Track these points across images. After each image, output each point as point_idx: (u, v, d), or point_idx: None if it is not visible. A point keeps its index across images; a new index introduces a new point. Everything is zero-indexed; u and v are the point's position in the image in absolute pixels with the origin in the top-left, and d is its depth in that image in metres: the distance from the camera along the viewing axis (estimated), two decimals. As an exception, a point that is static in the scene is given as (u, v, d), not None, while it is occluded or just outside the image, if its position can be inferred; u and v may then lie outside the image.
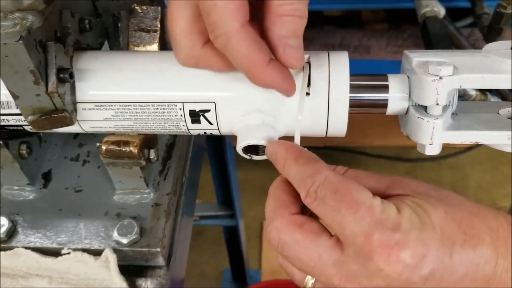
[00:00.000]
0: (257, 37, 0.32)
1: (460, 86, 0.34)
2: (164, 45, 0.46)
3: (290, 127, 0.38)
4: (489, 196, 1.73)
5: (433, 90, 0.34)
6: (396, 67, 0.40)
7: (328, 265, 0.31)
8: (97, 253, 0.46)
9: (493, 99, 1.21)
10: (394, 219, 0.29)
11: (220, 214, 1.28)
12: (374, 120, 1.58)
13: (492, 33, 1.06)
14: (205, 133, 0.41)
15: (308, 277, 0.34)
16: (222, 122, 0.39)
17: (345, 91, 0.37)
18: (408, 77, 0.37)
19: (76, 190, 0.51)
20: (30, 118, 0.39)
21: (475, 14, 1.13)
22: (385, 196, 0.32)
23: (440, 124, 0.36)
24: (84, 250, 0.46)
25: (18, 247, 0.46)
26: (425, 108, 0.36)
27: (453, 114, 0.37)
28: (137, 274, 0.47)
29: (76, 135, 0.56)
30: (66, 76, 0.37)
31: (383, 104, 0.38)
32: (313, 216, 0.33)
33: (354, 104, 0.38)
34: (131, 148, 0.44)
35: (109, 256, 0.45)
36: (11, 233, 0.47)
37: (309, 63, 0.37)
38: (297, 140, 0.36)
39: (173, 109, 0.39)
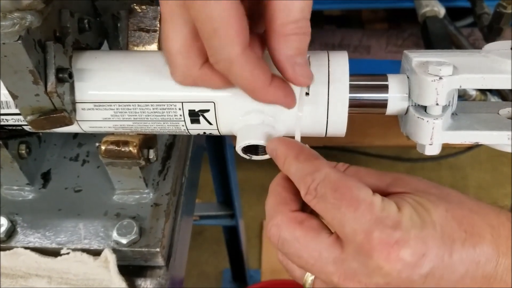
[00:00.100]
0: (258, 59, 0.32)
1: (460, 86, 0.34)
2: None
3: (289, 127, 0.38)
4: (489, 196, 1.73)
5: (433, 90, 0.34)
6: (396, 67, 0.40)
7: (328, 263, 0.31)
8: (96, 253, 0.46)
9: (493, 99, 1.21)
10: (394, 217, 0.29)
11: (220, 214, 1.28)
12: (374, 120, 1.58)
13: (492, 33, 1.06)
14: (204, 133, 0.41)
15: (308, 274, 0.34)
16: (222, 122, 0.39)
17: (345, 91, 0.36)
18: (408, 77, 0.37)
19: (76, 190, 0.51)
20: (29, 118, 0.39)
21: (475, 14, 1.13)
22: (386, 194, 0.32)
23: (440, 124, 0.35)
24: (83, 250, 0.46)
25: (17, 247, 0.46)
26: (425, 108, 0.36)
27: (453, 114, 0.37)
28: (136, 274, 0.47)
29: (75, 135, 0.56)
30: (65, 76, 0.37)
31: (383, 104, 0.38)
32: (313, 213, 0.33)
33: (354, 104, 0.38)
34: (131, 148, 0.44)
35: (109, 256, 0.45)
36: (11, 233, 0.47)
37: (308, 63, 0.37)
38: (298, 138, 0.36)
39: (173, 109, 0.39)
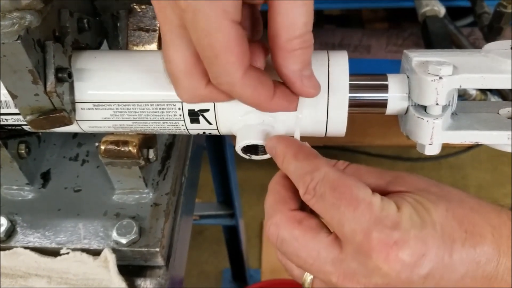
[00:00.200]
0: (260, 76, 0.32)
1: (460, 86, 0.34)
2: (163, 45, 0.45)
3: (289, 127, 0.38)
4: (489, 195, 1.73)
5: (432, 90, 0.34)
6: (396, 66, 0.40)
7: (326, 263, 0.31)
8: (96, 253, 0.46)
9: (493, 98, 1.21)
10: (393, 217, 0.29)
11: (220, 214, 1.28)
12: (374, 119, 1.58)
13: (492, 32, 1.06)
14: (204, 133, 0.41)
15: (307, 273, 0.34)
16: (221, 122, 0.39)
17: (345, 91, 0.36)
18: (407, 77, 0.37)
19: (75, 190, 0.51)
20: (28, 117, 0.39)
21: (475, 13, 1.13)
22: (386, 193, 0.32)
23: (440, 124, 0.35)
24: (83, 250, 0.46)
25: (17, 247, 0.46)
26: (424, 108, 0.36)
27: (453, 114, 0.37)
28: (136, 274, 0.47)
29: (75, 135, 0.56)
30: (65, 75, 0.37)
31: (383, 104, 0.38)
32: (312, 212, 0.33)
33: (354, 104, 0.37)
34: (130, 148, 0.43)
35: (108, 256, 0.45)
36: (10, 232, 0.47)
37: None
38: (297, 137, 0.36)
39: (172, 108, 0.39)
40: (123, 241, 0.45)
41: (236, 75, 0.31)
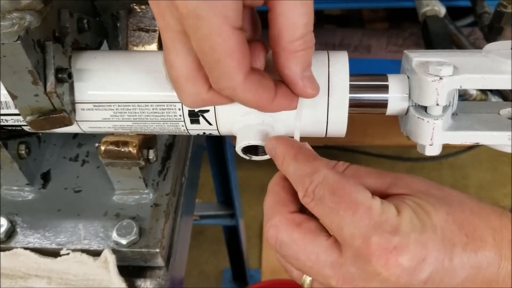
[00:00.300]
0: (261, 80, 0.33)
1: (460, 87, 0.34)
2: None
3: (289, 127, 0.38)
4: (489, 195, 1.73)
5: (433, 91, 0.34)
6: (397, 66, 0.40)
7: (325, 266, 0.31)
8: (96, 253, 0.45)
9: (494, 98, 1.21)
10: (393, 221, 0.29)
11: (220, 214, 1.27)
12: (374, 119, 1.58)
13: (492, 32, 1.06)
14: (204, 133, 0.41)
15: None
16: (221, 123, 0.39)
17: (345, 92, 0.36)
18: (408, 77, 0.37)
19: (75, 190, 0.51)
20: (28, 118, 0.39)
21: (475, 13, 1.13)
22: (385, 195, 0.32)
23: (440, 124, 0.35)
24: (83, 251, 0.46)
25: (17, 247, 0.46)
26: (425, 108, 0.36)
27: (453, 114, 0.37)
28: (136, 274, 0.47)
29: (75, 135, 0.56)
30: (65, 76, 0.37)
31: (383, 104, 0.38)
32: (312, 214, 0.33)
33: (354, 104, 0.37)
34: (130, 149, 0.43)
35: (108, 257, 0.45)
36: (10, 233, 0.47)
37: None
38: (297, 138, 0.36)
39: (172, 109, 0.39)
40: (123, 241, 0.45)
41: (237, 80, 0.31)
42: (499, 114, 0.37)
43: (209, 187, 1.26)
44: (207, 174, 1.13)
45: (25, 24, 0.34)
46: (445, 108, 0.36)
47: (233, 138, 0.39)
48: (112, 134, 0.44)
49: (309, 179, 0.31)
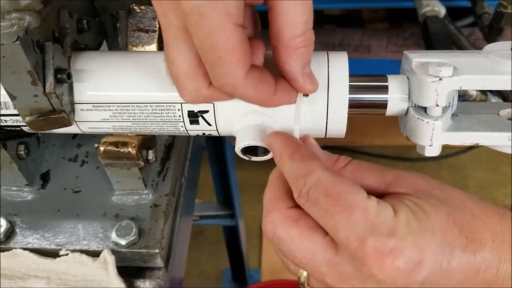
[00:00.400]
0: (261, 75, 0.33)
1: (460, 87, 0.34)
2: (163, 45, 0.45)
3: (289, 128, 0.38)
4: (489, 195, 1.73)
5: (432, 91, 0.34)
6: (397, 67, 0.40)
7: (321, 264, 0.31)
8: (95, 254, 0.45)
9: (494, 99, 1.21)
10: (389, 223, 0.29)
11: (220, 214, 1.27)
12: (374, 119, 1.58)
13: (492, 32, 1.06)
14: (203, 134, 0.41)
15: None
16: (221, 123, 0.39)
17: (344, 92, 0.36)
18: (407, 78, 0.37)
19: (75, 191, 0.51)
20: (27, 119, 0.39)
21: (475, 13, 1.13)
22: (385, 194, 0.32)
23: (440, 125, 0.35)
24: (82, 251, 0.46)
25: (16, 248, 0.46)
26: (424, 109, 0.36)
27: (453, 115, 0.37)
28: (135, 275, 0.47)
29: (74, 136, 0.56)
30: (64, 76, 0.37)
31: (383, 105, 0.38)
32: None
33: (354, 105, 0.37)
34: (129, 149, 0.43)
35: (108, 257, 0.45)
36: (9, 234, 0.47)
37: None
38: (296, 135, 0.36)
39: (172, 110, 0.39)
40: (123, 242, 0.45)
41: (238, 77, 0.31)
42: (499, 115, 0.37)
43: (209, 187, 1.26)
44: (207, 174, 1.13)
45: (25, 24, 0.34)
46: (444, 109, 0.35)
47: (232, 138, 0.39)
48: (111, 134, 0.44)
49: (303, 180, 0.31)
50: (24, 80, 0.36)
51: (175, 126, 0.40)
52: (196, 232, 1.67)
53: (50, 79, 0.37)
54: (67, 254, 0.46)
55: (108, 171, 0.47)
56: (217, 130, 0.40)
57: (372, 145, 1.79)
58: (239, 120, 0.38)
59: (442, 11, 1.15)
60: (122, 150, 0.43)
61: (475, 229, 0.29)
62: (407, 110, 0.37)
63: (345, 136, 0.39)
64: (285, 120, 0.38)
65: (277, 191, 0.34)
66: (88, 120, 0.41)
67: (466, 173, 1.84)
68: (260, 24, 0.36)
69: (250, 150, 0.38)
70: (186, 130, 0.40)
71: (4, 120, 0.41)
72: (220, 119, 0.39)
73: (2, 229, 0.47)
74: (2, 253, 0.46)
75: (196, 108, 0.38)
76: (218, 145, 1.06)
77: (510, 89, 0.34)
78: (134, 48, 0.45)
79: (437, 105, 0.34)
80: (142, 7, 0.45)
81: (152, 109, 0.39)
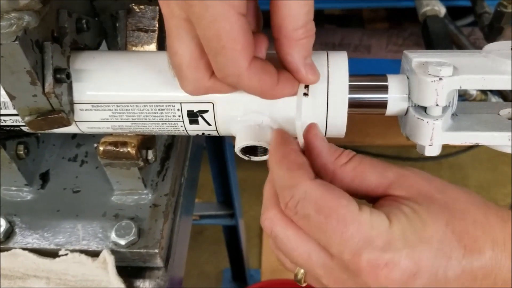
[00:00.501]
0: (264, 65, 0.33)
1: (460, 87, 0.34)
2: (162, 45, 0.45)
3: (288, 128, 0.38)
4: (489, 195, 1.73)
5: (432, 91, 0.34)
6: (397, 66, 0.40)
7: (317, 266, 0.31)
8: (95, 254, 0.45)
9: (494, 99, 1.21)
10: (384, 236, 0.28)
11: (220, 214, 1.27)
12: (374, 119, 1.58)
13: (492, 32, 1.05)
14: (203, 133, 0.41)
15: None
16: (221, 123, 0.39)
17: (344, 92, 0.36)
18: (407, 78, 0.37)
19: (74, 190, 0.51)
20: (27, 118, 0.39)
21: (475, 13, 1.13)
22: (384, 195, 0.32)
23: (440, 125, 0.35)
24: (81, 251, 0.46)
25: (15, 248, 0.46)
26: (424, 109, 0.36)
27: (453, 114, 0.37)
28: (135, 275, 0.47)
29: (74, 136, 0.55)
30: (63, 76, 0.37)
31: (383, 105, 0.37)
32: None
33: (353, 105, 0.37)
34: (129, 149, 0.43)
35: (107, 257, 0.45)
36: (9, 234, 0.47)
37: None
38: (299, 137, 0.35)
39: (171, 109, 0.39)
40: (122, 242, 0.45)
41: (242, 66, 0.31)
42: (499, 114, 0.37)
43: (209, 187, 1.26)
44: (207, 174, 1.13)
45: (24, 24, 0.34)
46: (444, 109, 0.35)
47: (232, 138, 0.39)
48: (111, 134, 0.44)
49: (289, 193, 0.30)
50: (23, 80, 0.36)
51: (175, 126, 0.40)
52: (196, 232, 1.67)
53: (49, 79, 0.37)
54: (66, 254, 0.46)
55: (107, 171, 0.47)
56: (216, 130, 0.40)
57: (372, 145, 1.78)
58: (239, 120, 0.38)
59: (442, 10, 1.14)
60: (121, 150, 0.43)
61: (475, 238, 0.29)
62: (407, 110, 0.37)
63: (345, 135, 0.38)
64: (285, 120, 0.38)
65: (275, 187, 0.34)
66: (87, 120, 0.41)
67: (466, 173, 1.84)
68: (262, 19, 0.36)
69: (250, 150, 0.38)
70: (186, 130, 0.40)
71: (4, 120, 0.41)
72: (220, 119, 0.39)
73: (2, 229, 0.47)
74: (1, 253, 0.46)
75: (195, 108, 0.38)
76: (218, 145, 1.06)
77: (510, 88, 0.33)
78: (134, 48, 0.45)
79: (437, 105, 0.34)
80: (142, 6, 0.45)
81: (152, 109, 0.39)
